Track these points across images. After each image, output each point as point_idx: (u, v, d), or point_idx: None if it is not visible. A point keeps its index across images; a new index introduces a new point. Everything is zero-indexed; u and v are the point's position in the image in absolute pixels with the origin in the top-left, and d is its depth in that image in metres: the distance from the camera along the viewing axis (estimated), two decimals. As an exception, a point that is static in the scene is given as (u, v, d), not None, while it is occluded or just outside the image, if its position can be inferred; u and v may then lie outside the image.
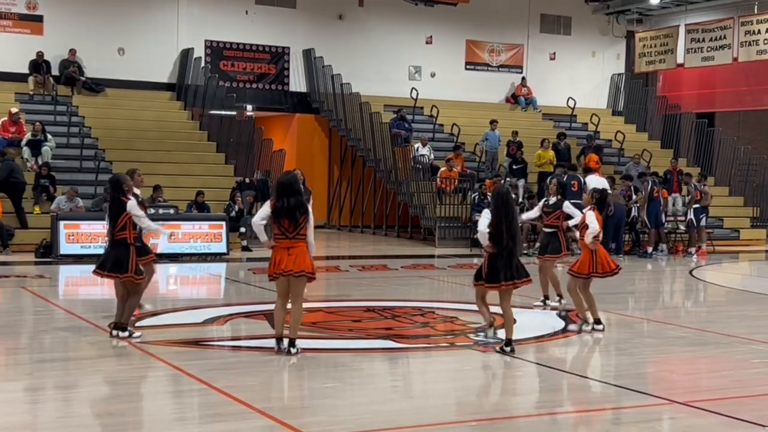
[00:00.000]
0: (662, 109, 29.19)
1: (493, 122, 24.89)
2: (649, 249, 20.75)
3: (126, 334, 9.51)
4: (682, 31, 28.01)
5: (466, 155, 24.30)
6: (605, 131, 27.87)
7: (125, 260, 9.51)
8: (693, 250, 21.42)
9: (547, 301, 12.25)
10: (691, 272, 18.18)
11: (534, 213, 12.60)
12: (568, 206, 12.01)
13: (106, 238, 9.84)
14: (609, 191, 12.67)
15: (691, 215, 21.49)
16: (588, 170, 21.71)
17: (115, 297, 9.80)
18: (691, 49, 27.68)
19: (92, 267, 9.91)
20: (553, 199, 12.21)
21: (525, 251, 19.58)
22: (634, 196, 20.99)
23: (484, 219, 9.35)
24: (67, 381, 8.06)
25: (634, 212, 20.98)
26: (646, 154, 25.97)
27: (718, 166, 27.01)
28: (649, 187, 21.05)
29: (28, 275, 15.34)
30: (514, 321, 9.47)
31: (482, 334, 9.99)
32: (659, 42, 28.75)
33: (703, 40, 27.40)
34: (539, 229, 14.88)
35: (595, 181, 19.10)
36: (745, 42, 26.24)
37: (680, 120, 28.33)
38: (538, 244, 12.67)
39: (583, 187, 18.96)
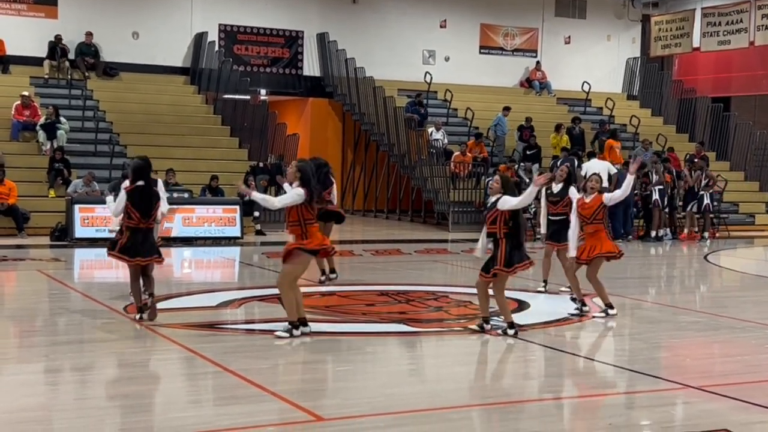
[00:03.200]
0: (678, 94, 29.03)
1: (506, 109, 24.80)
2: (653, 233, 20.72)
3: (138, 316, 9.60)
4: (698, 14, 27.82)
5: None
6: (620, 116, 27.75)
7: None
8: (707, 234, 21.37)
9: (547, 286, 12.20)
10: (705, 257, 18.13)
11: (543, 207, 12.08)
12: (573, 192, 11.70)
13: (122, 223, 9.83)
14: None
15: (707, 200, 21.42)
16: (591, 155, 21.66)
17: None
18: (707, 32, 27.50)
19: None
20: (557, 187, 11.70)
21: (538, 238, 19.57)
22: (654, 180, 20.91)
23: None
24: (82, 363, 8.10)
25: (655, 195, 20.85)
26: (661, 138, 25.86)
27: (734, 151, 26.83)
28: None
29: (43, 258, 15.42)
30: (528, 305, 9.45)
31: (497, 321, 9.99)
32: (675, 26, 28.57)
33: (720, 24, 27.22)
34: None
35: (595, 166, 19.02)
36: (762, 26, 26.05)
37: (696, 104, 28.18)
38: (543, 232, 12.34)
39: (575, 171, 19.08)
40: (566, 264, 11.18)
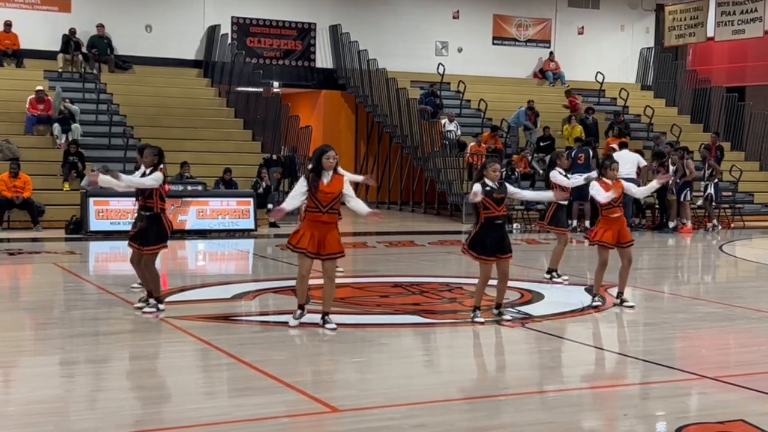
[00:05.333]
0: (692, 84, 28.89)
1: (529, 109, 24.74)
2: (671, 224, 20.60)
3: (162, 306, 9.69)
4: (712, 4, 27.64)
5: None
6: (634, 106, 27.65)
7: None
8: (719, 224, 21.27)
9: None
10: (720, 247, 18.06)
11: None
12: (554, 176, 12.10)
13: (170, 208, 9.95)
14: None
15: (710, 190, 21.32)
16: (623, 145, 21.53)
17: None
18: (722, 22, 27.33)
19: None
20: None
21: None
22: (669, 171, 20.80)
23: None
24: (98, 355, 8.13)
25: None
26: (676, 128, 25.75)
27: (749, 141, 26.72)
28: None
29: (58, 251, 15.49)
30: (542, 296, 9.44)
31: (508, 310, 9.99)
32: (689, 15, 28.41)
33: (734, 13, 27.05)
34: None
35: (626, 157, 19.05)
36: (777, 15, 25.87)
37: (710, 94, 28.03)
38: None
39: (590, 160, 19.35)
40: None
